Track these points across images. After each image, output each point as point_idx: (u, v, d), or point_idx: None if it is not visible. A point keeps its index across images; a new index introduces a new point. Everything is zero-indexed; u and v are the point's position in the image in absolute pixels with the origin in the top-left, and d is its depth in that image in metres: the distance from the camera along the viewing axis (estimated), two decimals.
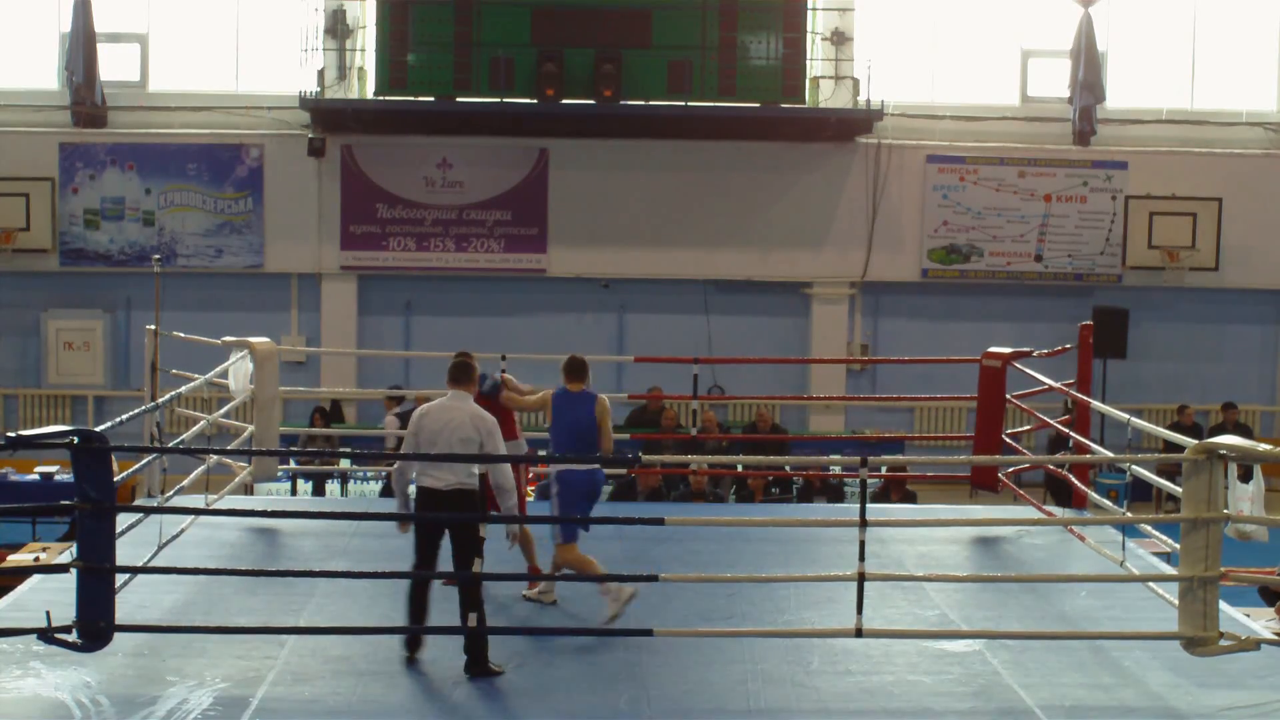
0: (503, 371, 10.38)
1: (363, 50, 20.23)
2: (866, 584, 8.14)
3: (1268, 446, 7.94)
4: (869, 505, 8.52)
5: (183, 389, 11.10)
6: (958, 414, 20.80)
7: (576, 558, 9.24)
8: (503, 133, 20.42)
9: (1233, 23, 21.37)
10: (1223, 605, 8.30)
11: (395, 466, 8.71)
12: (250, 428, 12.03)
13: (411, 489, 8.76)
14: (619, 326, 21.06)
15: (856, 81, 20.37)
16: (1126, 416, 10.56)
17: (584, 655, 8.51)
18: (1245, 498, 8.48)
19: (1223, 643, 7.99)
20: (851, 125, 20.25)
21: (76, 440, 7.49)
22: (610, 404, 9.76)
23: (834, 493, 15.83)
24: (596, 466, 9.41)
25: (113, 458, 7.67)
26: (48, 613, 7.58)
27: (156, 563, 9.16)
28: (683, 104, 19.60)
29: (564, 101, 19.44)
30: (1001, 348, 12.70)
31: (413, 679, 8.07)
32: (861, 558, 8.09)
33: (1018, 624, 9.21)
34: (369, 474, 16.07)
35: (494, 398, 9.49)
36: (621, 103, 19.48)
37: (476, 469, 8.25)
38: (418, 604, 8.39)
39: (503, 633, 8.58)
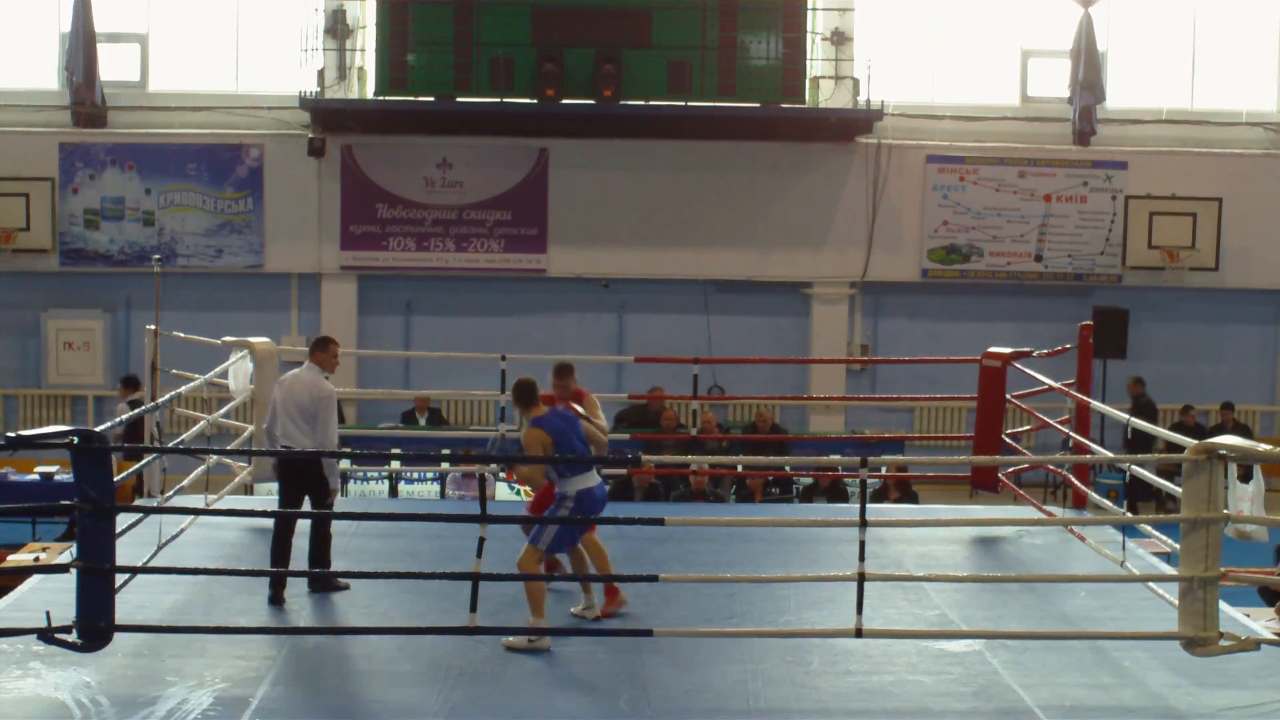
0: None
1: (363, 50, 20.24)
2: (866, 584, 8.15)
3: (1268, 446, 7.94)
4: (869, 505, 8.53)
5: (183, 389, 11.10)
6: (958, 414, 20.79)
7: (534, 570, 8.69)
8: (503, 133, 20.42)
9: (1233, 23, 21.37)
10: (1223, 605, 8.31)
11: (265, 429, 9.80)
12: (250, 428, 12.04)
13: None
14: (619, 326, 21.05)
15: (856, 81, 20.36)
16: (1126, 416, 10.56)
17: (584, 655, 8.51)
18: (1245, 498, 8.48)
19: (1223, 643, 7.99)
20: (851, 125, 20.25)
21: (76, 440, 7.49)
22: (605, 403, 9.74)
23: (838, 493, 15.81)
24: (602, 480, 9.12)
25: (113, 458, 7.67)
26: (48, 613, 7.58)
27: (156, 563, 9.17)
28: (683, 104, 19.59)
29: (564, 101, 19.45)
30: (1001, 348, 12.70)
31: (413, 679, 8.06)
32: (861, 558, 8.10)
33: (1018, 624, 9.21)
34: (369, 474, 16.04)
35: None
36: (621, 103, 19.48)
37: (314, 436, 9.44)
38: (283, 549, 9.48)
39: (504, 632, 8.57)
